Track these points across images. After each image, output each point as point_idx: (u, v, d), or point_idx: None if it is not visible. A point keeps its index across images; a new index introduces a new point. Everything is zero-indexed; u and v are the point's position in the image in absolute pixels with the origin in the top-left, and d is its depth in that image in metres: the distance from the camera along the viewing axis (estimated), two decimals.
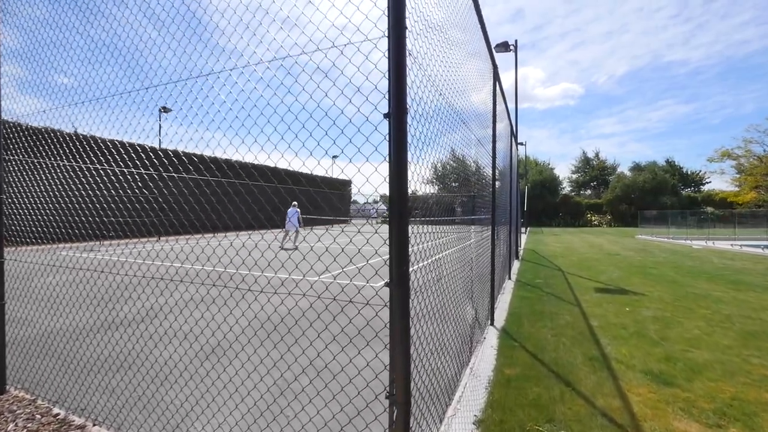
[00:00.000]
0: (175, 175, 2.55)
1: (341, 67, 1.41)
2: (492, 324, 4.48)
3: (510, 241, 8.34)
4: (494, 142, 4.67)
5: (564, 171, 48.19)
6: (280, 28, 1.52)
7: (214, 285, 2.30)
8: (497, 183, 5.04)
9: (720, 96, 59.88)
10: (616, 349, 3.57)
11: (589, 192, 45.60)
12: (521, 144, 29.00)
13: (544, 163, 41.76)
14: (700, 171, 40.79)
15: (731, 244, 14.01)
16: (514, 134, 9.23)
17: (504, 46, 11.00)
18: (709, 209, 33.78)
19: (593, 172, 44.06)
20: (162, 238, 13.61)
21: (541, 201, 36.71)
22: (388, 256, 1.28)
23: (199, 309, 4.46)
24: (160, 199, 3.32)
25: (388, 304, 1.30)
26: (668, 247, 14.05)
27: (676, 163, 41.04)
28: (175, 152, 2.37)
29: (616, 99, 71.37)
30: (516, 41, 10.91)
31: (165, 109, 15.74)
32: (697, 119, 61.27)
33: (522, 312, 4.95)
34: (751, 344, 3.71)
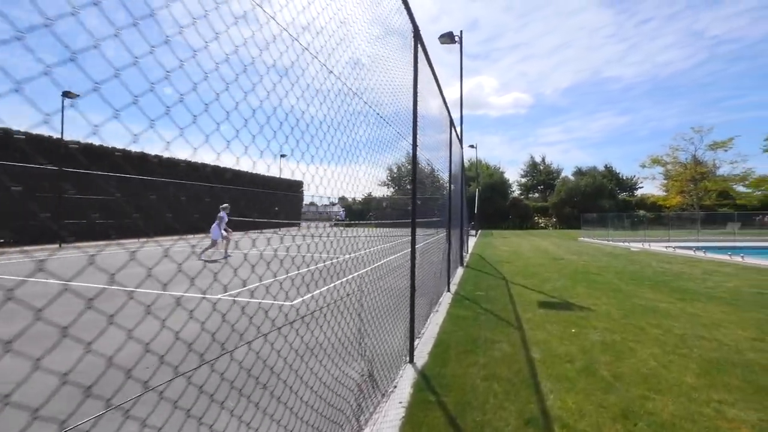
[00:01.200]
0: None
1: None
2: (411, 361, 3.46)
3: (452, 250, 7.50)
4: (415, 127, 3.67)
5: (514, 175, 49.77)
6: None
7: None
8: (429, 183, 4.10)
9: (648, 110, 65.79)
10: (561, 401, 2.67)
11: (536, 195, 47.40)
12: (472, 146, 29.08)
13: (494, 167, 42.68)
14: (634, 176, 43.91)
15: (665, 246, 14.44)
16: (456, 131, 8.46)
17: (449, 37, 10.27)
18: (642, 212, 36.19)
19: (540, 176, 45.84)
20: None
21: (491, 204, 37.31)
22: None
23: None
24: None
25: None
26: (609, 250, 14.17)
27: (614, 169, 43.85)
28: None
29: (560, 109, 75.87)
30: (461, 32, 10.22)
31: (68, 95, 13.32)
32: (630, 130, 66.92)
33: (452, 340, 3.99)
34: (718, 382, 2.99)
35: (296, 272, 7.00)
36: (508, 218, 38.04)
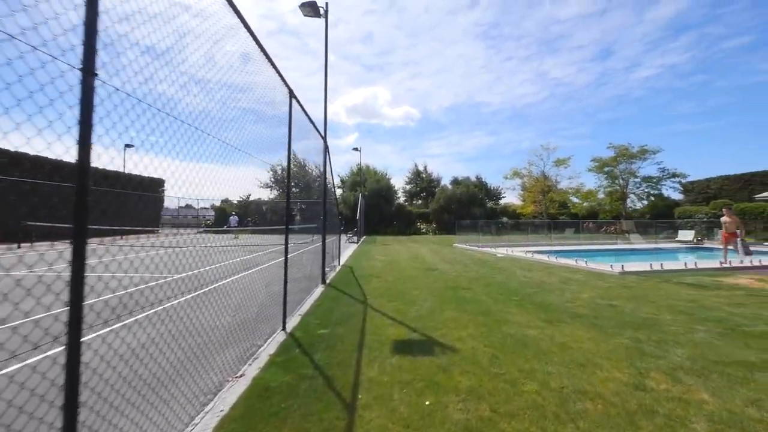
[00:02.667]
0: None
1: None
2: None
3: (307, 264, 5.65)
4: None
5: (401, 182, 51.15)
6: None
7: None
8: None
9: (509, 133, 76.76)
10: None
11: (419, 202, 49.64)
12: (356, 149, 28.12)
13: (382, 173, 42.96)
14: (499, 187, 49.65)
15: (525, 251, 15.39)
16: (318, 131, 6.70)
17: (312, 8, 8.50)
18: (505, 219, 40.71)
19: (423, 183, 48.12)
20: None
21: (378, 209, 37.17)
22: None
23: None
24: None
25: None
26: (479, 257, 14.34)
27: (483, 180, 48.82)
28: None
29: (442, 126, 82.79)
30: (327, 3, 8.57)
31: None
32: (496, 149, 76.84)
33: None
34: None
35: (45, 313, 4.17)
36: (394, 224, 38.50)
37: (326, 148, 9.10)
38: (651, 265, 10.37)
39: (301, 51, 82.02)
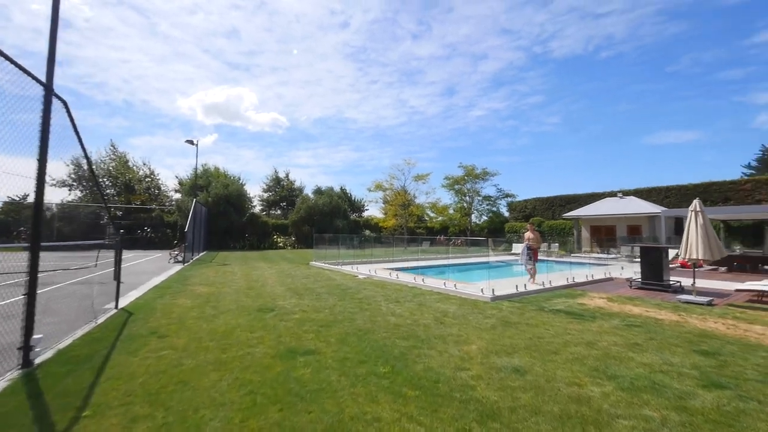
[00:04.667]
0: None
1: None
2: None
3: None
4: None
5: (259, 189, 45.51)
6: None
7: None
8: None
9: (372, 150, 79.60)
10: None
11: (278, 212, 44.99)
12: (191, 142, 22.38)
13: (233, 177, 36.85)
14: (363, 199, 49.41)
15: (389, 271, 13.60)
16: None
17: None
18: (368, 232, 40.11)
19: (283, 192, 43.81)
20: None
21: (226, 219, 31.21)
22: None
23: None
24: None
25: None
26: (338, 282, 11.74)
27: (347, 191, 47.72)
28: None
29: (311, 137, 79.75)
30: None
31: None
32: (360, 164, 78.37)
33: None
34: None
35: None
36: (245, 237, 33.04)
37: (66, 110, 4.95)
38: (516, 286, 9.63)
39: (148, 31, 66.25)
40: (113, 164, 34.82)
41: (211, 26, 71.16)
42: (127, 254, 19.72)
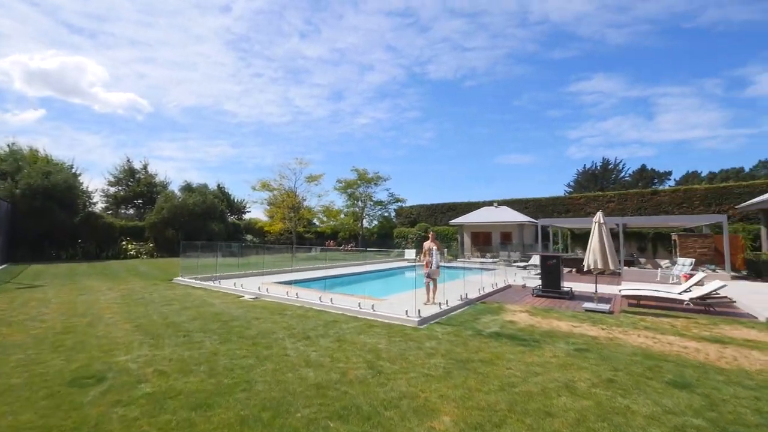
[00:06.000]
0: None
1: None
2: None
3: None
4: None
5: (102, 183, 36.00)
6: None
7: None
8: None
9: (254, 147, 72.99)
10: None
11: (131, 212, 36.33)
12: None
13: (61, 164, 27.88)
14: (244, 200, 44.01)
15: (284, 288, 11.19)
16: None
17: None
18: (250, 237, 35.57)
19: (138, 187, 35.51)
20: None
21: (45, 220, 23.05)
22: None
23: None
24: None
25: None
26: (216, 308, 8.87)
27: (226, 190, 41.78)
28: None
29: (181, 127, 67.97)
30: None
31: None
32: (239, 161, 70.91)
33: None
34: None
35: None
36: (77, 244, 25.11)
37: None
38: (440, 305, 8.60)
39: None
40: None
41: None
42: None
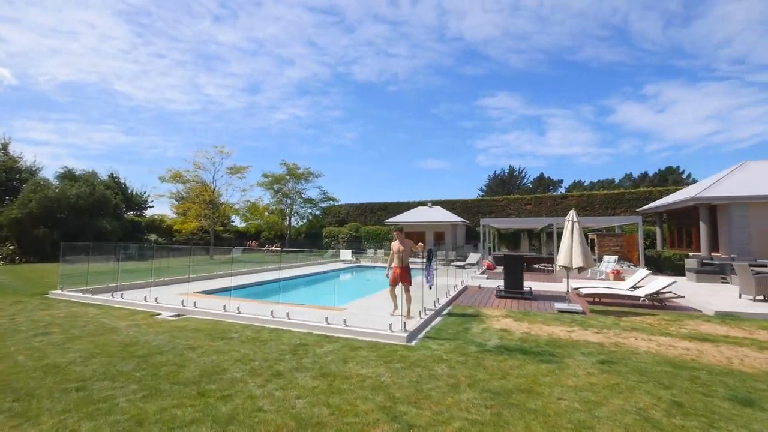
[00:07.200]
0: None
1: None
2: None
3: None
4: None
5: None
6: None
7: None
8: None
9: (154, 137, 63.90)
10: None
11: None
12: None
13: None
14: (145, 193, 37.55)
15: (222, 302, 8.94)
16: None
17: None
18: (154, 236, 30.35)
19: None
20: None
21: None
22: None
23: None
24: None
25: None
26: (122, 335, 6.46)
27: (122, 181, 35.03)
28: None
29: (56, 106, 55.64)
30: None
31: None
32: (134, 151, 61.46)
33: None
34: None
35: None
36: None
37: None
38: (420, 314, 7.47)
39: None
40: None
41: None
42: None
